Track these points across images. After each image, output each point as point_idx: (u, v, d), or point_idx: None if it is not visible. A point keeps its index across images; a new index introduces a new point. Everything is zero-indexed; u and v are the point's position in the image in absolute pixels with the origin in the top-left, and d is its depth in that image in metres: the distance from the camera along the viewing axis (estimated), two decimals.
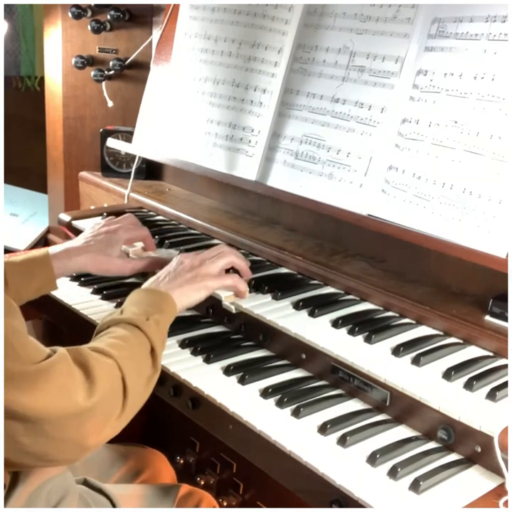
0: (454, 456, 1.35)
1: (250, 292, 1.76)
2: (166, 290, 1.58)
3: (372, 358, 1.49)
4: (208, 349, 1.69)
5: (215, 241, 2.11)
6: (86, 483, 1.63)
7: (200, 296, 1.63)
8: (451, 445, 1.36)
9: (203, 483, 2.22)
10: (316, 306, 1.66)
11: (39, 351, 1.23)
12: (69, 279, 2.13)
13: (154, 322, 1.46)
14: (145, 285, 1.64)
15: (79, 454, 1.27)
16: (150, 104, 2.42)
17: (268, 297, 1.75)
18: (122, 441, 2.01)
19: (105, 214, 2.37)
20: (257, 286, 1.79)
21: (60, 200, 2.81)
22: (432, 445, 1.38)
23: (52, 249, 1.82)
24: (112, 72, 2.66)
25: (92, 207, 2.60)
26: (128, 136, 2.56)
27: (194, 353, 1.69)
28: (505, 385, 1.37)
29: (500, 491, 1.25)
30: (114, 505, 1.61)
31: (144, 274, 2.10)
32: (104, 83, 2.67)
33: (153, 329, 1.45)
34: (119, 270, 1.88)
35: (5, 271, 1.68)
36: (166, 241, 2.09)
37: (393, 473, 1.28)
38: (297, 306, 1.69)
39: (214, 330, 1.82)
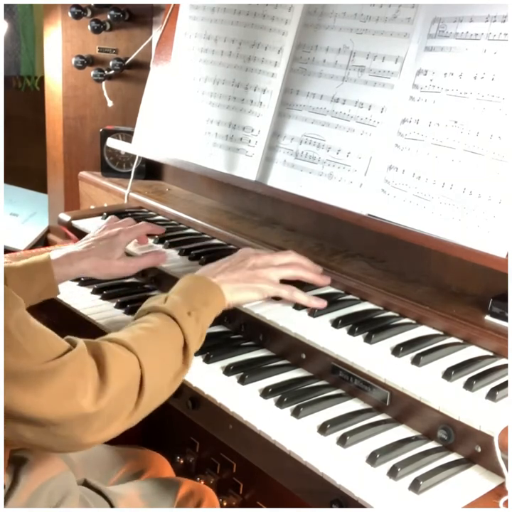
0: (453, 456, 1.34)
1: None
2: (220, 282, 1.55)
3: (372, 357, 1.49)
4: (207, 349, 1.68)
5: (215, 241, 2.12)
6: (86, 483, 1.63)
7: (252, 297, 1.61)
8: (451, 445, 1.35)
9: (202, 483, 2.22)
10: None
11: (52, 346, 1.20)
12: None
13: (194, 317, 1.43)
14: (200, 271, 1.61)
15: (79, 448, 1.26)
16: (150, 104, 2.42)
17: None
18: (122, 441, 2.01)
19: (105, 214, 2.38)
20: None
21: (60, 200, 2.81)
22: (431, 445, 1.38)
23: (53, 255, 1.81)
24: (112, 72, 2.66)
25: (92, 207, 2.60)
26: (128, 136, 2.56)
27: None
28: (505, 385, 1.37)
29: (500, 491, 1.25)
30: (112, 507, 1.61)
31: (145, 274, 2.11)
32: (104, 83, 2.67)
33: (192, 325, 1.41)
34: (121, 271, 1.88)
35: (5, 276, 1.68)
36: (166, 241, 2.09)
37: (393, 473, 1.28)
38: (297, 305, 1.68)
39: (214, 330, 1.82)
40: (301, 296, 1.65)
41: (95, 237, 1.92)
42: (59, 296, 2.01)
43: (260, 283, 1.61)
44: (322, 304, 1.65)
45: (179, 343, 1.39)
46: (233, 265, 1.63)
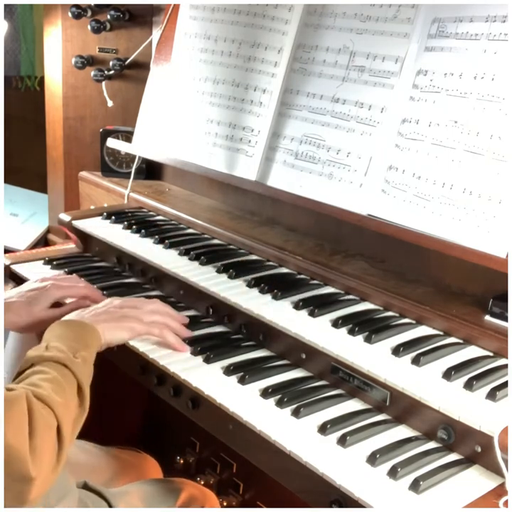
0: (454, 456, 1.34)
1: (251, 289, 1.77)
2: (91, 323, 1.54)
3: (372, 357, 1.49)
4: (207, 349, 1.69)
5: (215, 241, 2.12)
6: (86, 486, 1.63)
7: (124, 336, 1.60)
8: (451, 445, 1.36)
9: (202, 483, 2.22)
10: (316, 306, 1.66)
11: None
12: None
13: (82, 359, 1.41)
14: (67, 317, 1.59)
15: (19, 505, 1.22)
16: (150, 104, 2.42)
17: (268, 297, 1.75)
18: (121, 443, 2.01)
19: (105, 214, 2.37)
20: (257, 285, 1.79)
21: (60, 200, 2.81)
22: (432, 445, 1.38)
23: None
24: (112, 72, 2.66)
25: (92, 207, 2.60)
26: (128, 136, 2.56)
27: (194, 352, 1.69)
28: (505, 385, 1.37)
29: (500, 491, 1.25)
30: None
31: (145, 274, 2.10)
32: (104, 83, 2.67)
33: (81, 367, 1.39)
34: (43, 322, 1.72)
35: None
36: (166, 241, 2.09)
37: (393, 473, 1.28)
38: (297, 306, 1.69)
39: (214, 330, 1.82)
40: (170, 337, 1.66)
41: (27, 288, 1.84)
42: None
43: (130, 322, 1.61)
44: (185, 349, 1.67)
45: (74, 387, 1.36)
46: (100, 308, 1.63)
